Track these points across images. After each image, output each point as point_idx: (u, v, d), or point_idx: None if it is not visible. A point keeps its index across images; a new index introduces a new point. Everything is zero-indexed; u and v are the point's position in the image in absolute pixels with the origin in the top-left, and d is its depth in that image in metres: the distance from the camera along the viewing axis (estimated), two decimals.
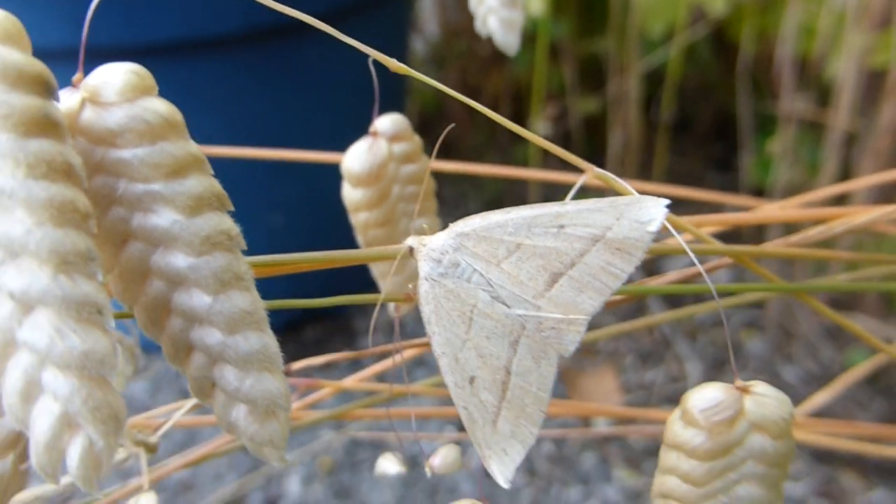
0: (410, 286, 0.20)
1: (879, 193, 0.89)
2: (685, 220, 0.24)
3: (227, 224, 0.17)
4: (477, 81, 1.31)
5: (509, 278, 0.19)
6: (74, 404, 0.15)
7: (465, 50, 1.31)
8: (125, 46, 0.73)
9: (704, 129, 1.39)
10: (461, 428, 0.96)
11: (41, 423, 0.15)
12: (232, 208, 0.17)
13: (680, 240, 0.20)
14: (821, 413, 0.93)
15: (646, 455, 0.94)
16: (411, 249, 0.19)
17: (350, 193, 0.27)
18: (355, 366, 0.90)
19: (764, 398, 0.20)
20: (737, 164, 1.20)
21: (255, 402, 0.18)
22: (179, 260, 0.17)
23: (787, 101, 0.96)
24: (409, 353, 0.29)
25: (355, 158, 0.26)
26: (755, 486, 0.20)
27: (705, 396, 0.20)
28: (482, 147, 1.32)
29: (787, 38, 0.95)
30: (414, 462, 0.96)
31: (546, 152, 1.15)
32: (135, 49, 0.73)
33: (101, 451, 0.15)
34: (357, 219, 0.28)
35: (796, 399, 0.92)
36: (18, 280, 0.15)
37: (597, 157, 1.34)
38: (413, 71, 0.21)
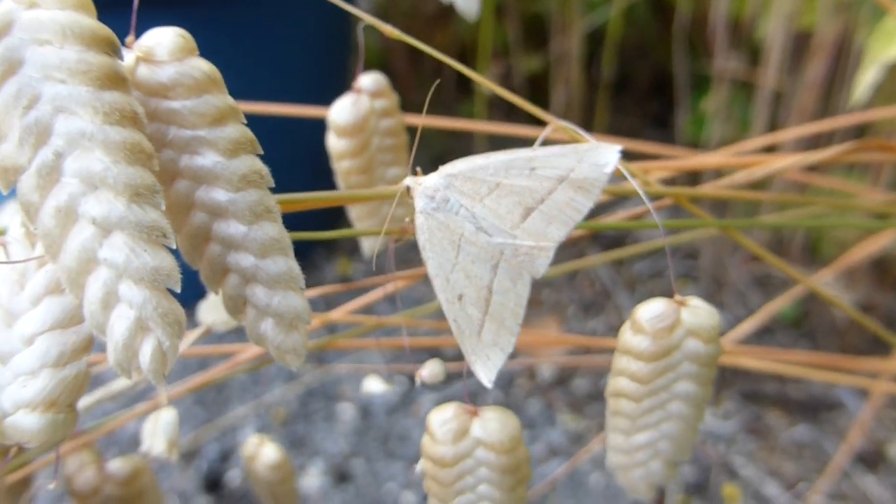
0: (407, 219, 0.23)
1: (805, 146, 0.96)
2: (632, 166, 0.28)
3: (259, 165, 0.21)
4: (421, 40, 1.33)
5: (490, 212, 0.23)
6: (147, 311, 0.18)
7: (409, 8, 1.33)
8: None
9: (642, 87, 1.45)
10: (412, 379, 1.01)
11: (119, 326, 0.18)
12: (262, 152, 0.21)
13: (631, 179, 0.24)
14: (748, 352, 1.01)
15: (588, 400, 1.01)
16: (408, 188, 0.23)
17: (335, 143, 0.31)
18: (330, 303, 0.94)
19: (697, 309, 0.24)
20: (673, 121, 1.26)
21: (282, 316, 0.21)
22: (220, 195, 0.20)
23: (720, 61, 1.02)
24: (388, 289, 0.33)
25: (341, 112, 0.30)
26: (690, 382, 0.25)
27: (651, 308, 0.24)
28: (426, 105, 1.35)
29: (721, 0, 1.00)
30: (366, 411, 1.01)
31: (491, 109, 1.19)
32: None
33: (168, 349, 0.19)
34: (340, 166, 0.31)
35: (725, 342, 0.99)
36: (98, 208, 0.18)
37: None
38: (404, 35, 0.25)
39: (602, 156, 0.23)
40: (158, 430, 0.28)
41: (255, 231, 0.21)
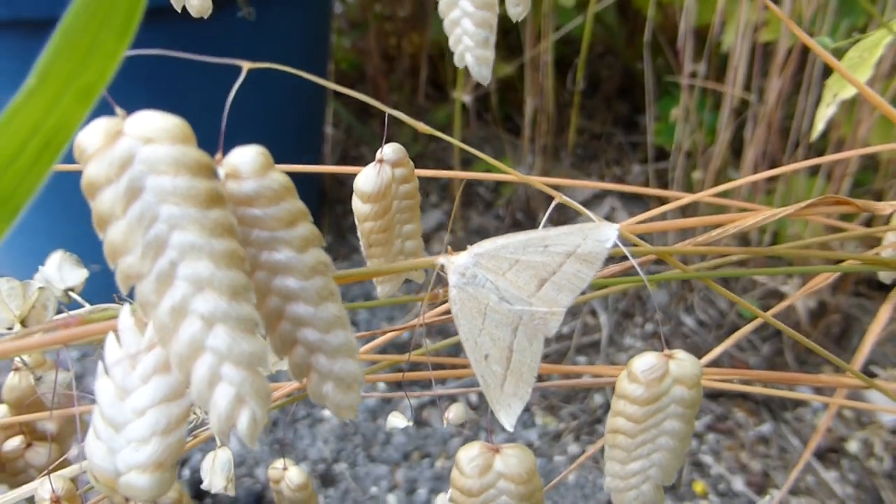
0: (441, 291, 0.28)
1: (768, 160, 1.03)
2: (625, 227, 0.33)
3: (324, 256, 0.25)
4: (396, 43, 1.38)
5: (511, 284, 0.28)
6: (244, 388, 0.23)
7: (384, 12, 1.37)
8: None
9: (611, 89, 1.51)
10: (391, 388, 1.06)
11: (222, 400, 0.23)
12: (325, 244, 0.26)
13: (626, 251, 0.29)
14: (717, 357, 1.08)
15: (564, 403, 1.07)
16: (443, 266, 0.28)
17: (360, 207, 0.35)
18: None
19: (683, 362, 0.30)
20: (642, 123, 1.32)
21: (342, 379, 0.26)
22: (292, 283, 0.25)
23: (687, 70, 1.08)
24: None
25: (366, 181, 0.35)
26: (676, 421, 0.30)
27: (644, 361, 0.30)
28: (400, 109, 1.39)
29: (689, 9, 1.06)
30: None
31: (466, 113, 1.26)
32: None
33: (260, 418, 0.23)
34: (363, 227, 0.36)
35: (696, 342, 1.06)
36: (205, 306, 0.23)
37: (512, 118, 1.44)
38: (435, 131, 0.29)
39: (604, 233, 0.29)
40: (217, 469, 0.32)
41: (320, 311, 0.26)
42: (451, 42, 0.38)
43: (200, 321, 0.23)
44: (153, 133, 0.22)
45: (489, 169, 1.42)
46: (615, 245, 0.29)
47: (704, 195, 0.48)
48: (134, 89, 0.87)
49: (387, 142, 0.36)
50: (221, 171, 0.24)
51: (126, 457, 0.24)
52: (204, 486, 0.33)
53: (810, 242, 0.44)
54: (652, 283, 0.31)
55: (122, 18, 0.18)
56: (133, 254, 0.22)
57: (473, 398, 1.06)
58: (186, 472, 0.98)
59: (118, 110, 0.23)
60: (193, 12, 0.31)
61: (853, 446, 1.02)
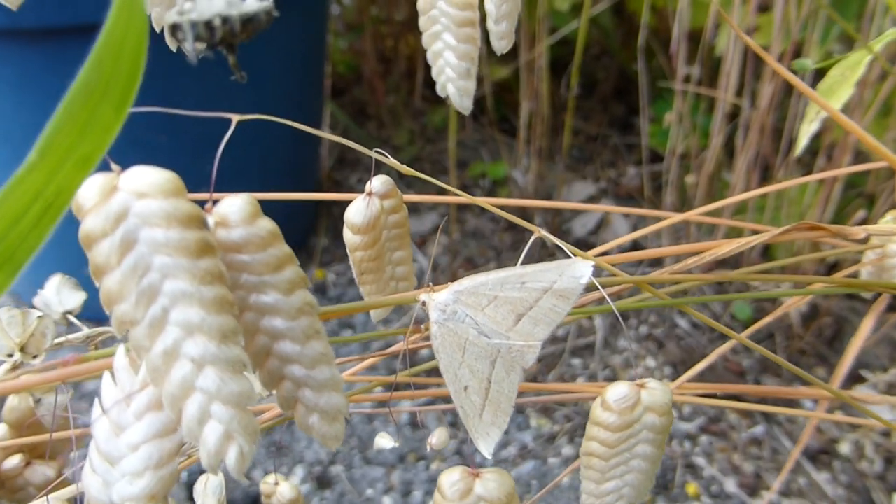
0: (424, 326, 0.30)
1: (761, 163, 1.04)
2: (601, 259, 0.35)
3: (310, 298, 0.27)
4: (393, 45, 1.39)
5: (489, 319, 0.30)
6: (233, 425, 0.25)
7: (380, 15, 1.38)
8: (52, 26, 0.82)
9: (607, 90, 1.52)
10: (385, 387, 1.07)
11: (211, 437, 0.25)
12: (310, 285, 0.27)
13: (600, 287, 0.31)
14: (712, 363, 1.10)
15: (558, 405, 1.09)
16: (424, 303, 0.30)
17: (351, 238, 0.37)
18: None
19: (654, 391, 0.31)
20: (638, 125, 1.34)
21: (327, 412, 0.28)
22: (279, 323, 0.27)
23: (680, 76, 1.10)
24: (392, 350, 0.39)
25: (357, 213, 0.36)
26: (648, 445, 0.32)
27: (617, 391, 0.31)
28: (397, 110, 1.41)
29: (682, 13, 1.07)
30: (344, 420, 1.07)
31: (462, 116, 1.27)
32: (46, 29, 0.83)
33: (247, 453, 0.25)
34: (354, 256, 0.38)
35: (690, 344, 1.07)
36: (196, 349, 0.24)
37: (508, 120, 1.45)
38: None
39: (579, 270, 0.30)
40: (208, 492, 0.34)
41: (307, 349, 0.27)
42: (434, 72, 0.39)
43: (191, 363, 0.24)
44: (146, 188, 0.24)
45: (485, 172, 1.42)
46: (590, 280, 0.30)
47: (692, 214, 0.49)
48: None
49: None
50: (211, 220, 0.26)
51: (121, 489, 0.26)
52: None
53: (790, 262, 0.45)
54: (621, 309, 0.32)
55: (120, 93, 0.20)
56: (127, 301, 0.24)
57: None
58: (184, 475, 1.00)
59: (113, 166, 0.24)
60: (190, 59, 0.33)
61: (845, 448, 1.04)
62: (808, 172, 1.12)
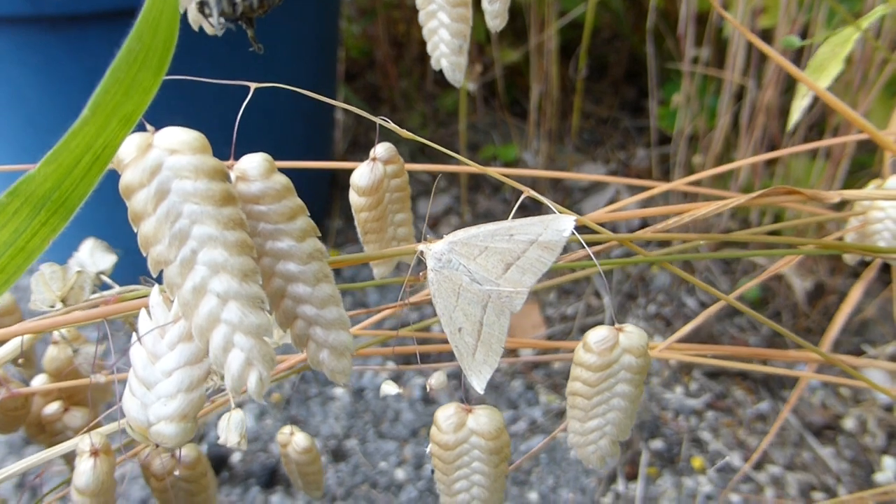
0: (421, 274, 0.34)
1: (767, 143, 1.07)
2: (587, 217, 0.39)
3: (320, 245, 0.31)
4: (404, 31, 1.43)
5: (481, 268, 0.34)
6: (253, 353, 0.29)
7: (392, 0, 1.42)
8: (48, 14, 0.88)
9: (617, 74, 1.55)
10: (398, 361, 1.12)
11: (234, 364, 0.29)
12: (320, 234, 0.31)
13: (581, 240, 0.35)
14: (718, 337, 1.13)
15: (566, 380, 1.13)
16: (422, 252, 0.33)
17: (356, 200, 0.41)
18: None
19: (631, 334, 0.35)
20: (648, 108, 1.37)
21: (335, 348, 0.32)
22: (292, 267, 0.31)
23: (688, 57, 1.12)
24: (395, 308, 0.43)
25: (362, 177, 0.40)
26: (627, 385, 0.36)
27: (597, 334, 0.35)
28: (409, 94, 1.45)
29: None
30: (358, 395, 1.13)
31: (474, 100, 1.31)
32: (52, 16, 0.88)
33: (265, 378, 0.29)
34: (359, 217, 0.42)
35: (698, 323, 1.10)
36: (220, 286, 0.28)
37: (519, 103, 1.48)
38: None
39: (562, 224, 0.34)
40: (231, 427, 0.38)
41: (317, 291, 0.31)
42: (428, 48, 0.43)
43: (217, 298, 0.28)
44: (177, 145, 0.28)
45: (496, 155, 1.46)
46: (573, 234, 0.34)
47: (679, 184, 0.53)
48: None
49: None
50: (233, 175, 0.30)
51: (156, 410, 0.30)
52: (220, 442, 0.39)
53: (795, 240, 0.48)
54: (605, 266, 0.36)
55: (157, 60, 0.23)
56: (161, 244, 0.28)
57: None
58: (203, 448, 1.04)
59: (148, 126, 0.28)
60: (208, 31, 0.37)
61: (849, 423, 1.07)
62: (816, 153, 1.15)
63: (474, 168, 0.41)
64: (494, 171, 0.41)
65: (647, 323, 1.20)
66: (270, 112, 1.12)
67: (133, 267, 0.40)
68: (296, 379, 1.16)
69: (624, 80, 1.57)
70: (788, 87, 1.09)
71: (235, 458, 1.03)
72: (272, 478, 1.01)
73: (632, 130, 1.50)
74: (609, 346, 0.35)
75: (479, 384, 0.34)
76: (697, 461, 1.04)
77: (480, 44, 1.39)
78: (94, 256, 0.45)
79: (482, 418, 0.35)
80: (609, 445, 0.38)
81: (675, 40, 1.25)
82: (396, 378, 1.14)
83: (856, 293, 0.62)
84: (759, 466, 1.04)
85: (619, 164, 1.43)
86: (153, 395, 0.30)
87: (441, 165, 0.50)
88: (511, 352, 1.16)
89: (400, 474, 1.03)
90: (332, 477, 1.03)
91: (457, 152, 0.37)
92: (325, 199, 1.37)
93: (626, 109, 1.54)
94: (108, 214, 0.65)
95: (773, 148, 1.13)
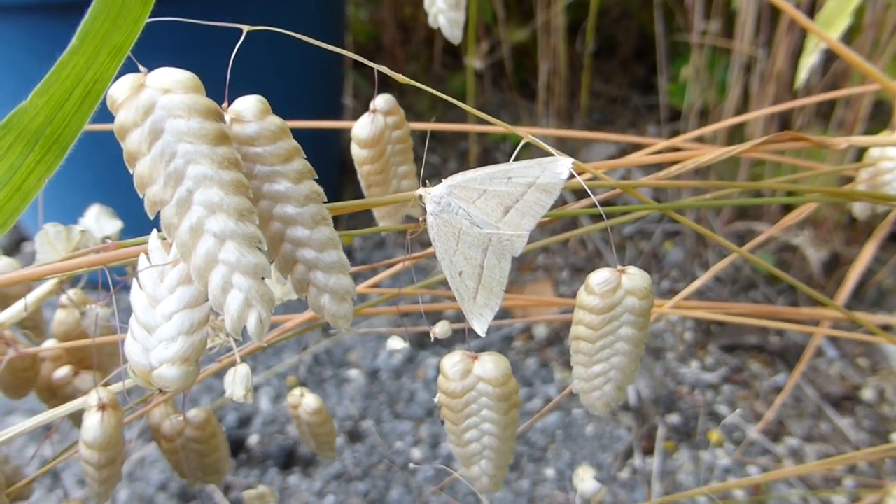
0: (420, 219, 0.34)
1: (778, 116, 1.06)
2: (587, 165, 0.39)
3: (317, 187, 0.31)
4: (410, 13, 1.43)
5: (481, 211, 0.34)
6: (251, 294, 0.29)
7: None
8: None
9: (627, 52, 1.54)
10: (413, 349, 1.12)
11: (233, 304, 0.29)
12: (316, 176, 0.31)
13: (580, 180, 0.34)
14: (732, 309, 1.12)
15: None
16: (421, 196, 0.33)
17: (358, 152, 0.41)
18: None
19: (633, 276, 0.35)
20: (658, 85, 1.36)
21: (336, 292, 0.32)
22: (290, 209, 0.31)
23: (697, 30, 1.12)
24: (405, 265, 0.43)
25: (363, 128, 0.40)
26: (630, 328, 0.36)
27: (599, 276, 0.35)
28: (417, 78, 1.45)
29: None
30: (373, 376, 1.14)
31: (483, 80, 1.31)
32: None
33: (265, 319, 0.29)
34: (362, 170, 0.42)
35: (711, 298, 1.10)
36: (217, 225, 0.28)
37: (528, 83, 1.48)
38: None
39: (560, 166, 0.34)
40: (237, 381, 0.38)
41: (315, 233, 0.31)
42: (426, 4, 0.43)
43: (214, 238, 0.28)
44: (170, 84, 0.28)
45: (506, 136, 1.45)
46: (571, 176, 0.34)
47: (678, 140, 0.52)
48: (155, 60, 0.94)
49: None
50: (228, 118, 0.30)
51: (158, 353, 0.30)
52: (226, 396, 0.39)
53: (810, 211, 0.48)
54: (608, 212, 0.36)
55: None
56: (157, 184, 0.28)
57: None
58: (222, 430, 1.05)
59: (141, 68, 0.28)
60: None
61: (867, 393, 1.06)
62: (827, 123, 1.14)
63: (484, 117, 0.41)
64: (506, 127, 0.41)
65: (661, 298, 1.19)
66: (279, 100, 1.12)
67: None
68: (310, 360, 1.16)
69: (633, 59, 1.56)
70: (798, 52, 1.08)
71: (253, 440, 1.04)
72: (290, 459, 1.02)
73: (642, 109, 1.49)
74: (612, 287, 0.35)
75: (480, 327, 0.34)
76: (714, 435, 1.04)
77: (488, 24, 1.38)
78: (99, 222, 0.45)
79: (488, 364, 0.35)
80: (614, 391, 0.38)
81: (685, 15, 1.24)
82: (410, 359, 1.14)
83: (868, 251, 0.61)
84: (777, 438, 1.04)
85: (629, 145, 1.42)
86: (154, 338, 0.30)
87: (452, 125, 0.49)
88: (524, 330, 1.16)
89: (416, 454, 1.03)
90: (349, 457, 1.03)
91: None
92: (335, 180, 1.37)
93: (636, 88, 1.53)
94: (114, 181, 0.65)
95: (783, 119, 1.12)
